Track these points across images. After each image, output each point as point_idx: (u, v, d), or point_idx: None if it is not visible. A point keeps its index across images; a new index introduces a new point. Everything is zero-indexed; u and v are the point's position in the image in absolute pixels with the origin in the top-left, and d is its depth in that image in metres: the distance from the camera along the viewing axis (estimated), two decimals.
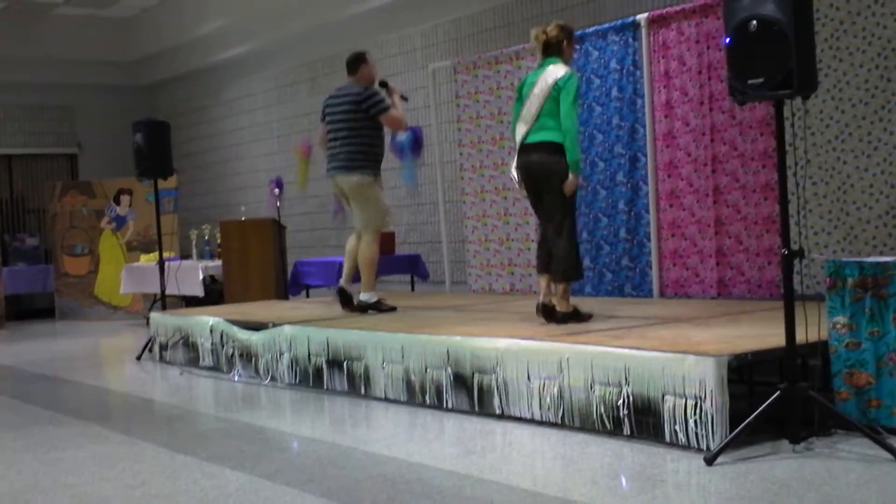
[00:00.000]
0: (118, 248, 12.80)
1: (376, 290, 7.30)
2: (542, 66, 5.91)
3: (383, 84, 7.26)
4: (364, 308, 7.14)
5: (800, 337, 4.29)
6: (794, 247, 4.31)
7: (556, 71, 5.79)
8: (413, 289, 9.62)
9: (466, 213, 8.83)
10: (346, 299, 7.27)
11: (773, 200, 6.39)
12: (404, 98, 7.39)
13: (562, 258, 5.80)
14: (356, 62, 7.19)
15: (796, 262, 4.32)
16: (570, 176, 5.73)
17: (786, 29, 4.14)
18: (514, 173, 6.03)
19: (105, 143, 14.34)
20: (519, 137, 5.91)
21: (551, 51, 5.91)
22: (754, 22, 4.22)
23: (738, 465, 3.98)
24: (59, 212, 13.03)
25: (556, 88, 5.73)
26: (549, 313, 5.85)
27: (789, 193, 4.39)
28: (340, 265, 9.17)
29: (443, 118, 9.31)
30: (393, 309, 7.18)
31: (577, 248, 5.92)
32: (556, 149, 5.74)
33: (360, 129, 7.04)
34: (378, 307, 7.14)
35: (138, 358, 8.41)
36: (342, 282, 7.37)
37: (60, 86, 14.22)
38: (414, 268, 9.56)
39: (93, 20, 14.13)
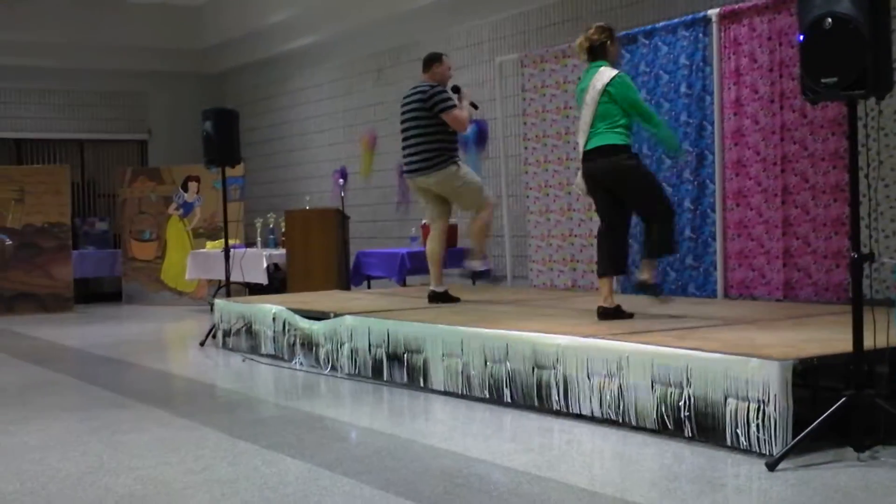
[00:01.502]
0: (185, 235, 12.99)
1: (444, 283, 7.45)
2: (589, 70, 5.98)
3: (456, 89, 7.29)
4: (470, 275, 7.29)
5: (867, 343, 4.20)
6: (864, 250, 4.23)
7: (603, 75, 5.87)
8: (474, 283, 9.61)
9: (529, 208, 8.80)
10: (439, 298, 7.35)
11: (843, 202, 6.27)
12: (474, 106, 7.44)
13: (659, 237, 5.89)
14: (430, 61, 7.31)
15: (865, 265, 4.24)
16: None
17: (861, 27, 4.05)
18: (581, 183, 6.11)
19: (174, 130, 14.59)
20: (580, 148, 6.01)
21: (596, 53, 6.00)
22: (829, 19, 4.13)
23: (800, 471, 3.92)
24: (129, 197, 13.27)
25: (607, 93, 5.81)
26: (611, 313, 5.92)
27: (860, 195, 4.30)
28: (402, 257, 9.22)
29: (508, 112, 9.28)
30: (456, 300, 7.35)
31: (674, 225, 6.09)
32: (615, 150, 5.85)
33: (429, 127, 7.11)
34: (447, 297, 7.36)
35: (202, 344, 8.54)
36: (433, 286, 7.42)
37: (132, 73, 14.47)
38: None
39: (164, 8, 14.35)
